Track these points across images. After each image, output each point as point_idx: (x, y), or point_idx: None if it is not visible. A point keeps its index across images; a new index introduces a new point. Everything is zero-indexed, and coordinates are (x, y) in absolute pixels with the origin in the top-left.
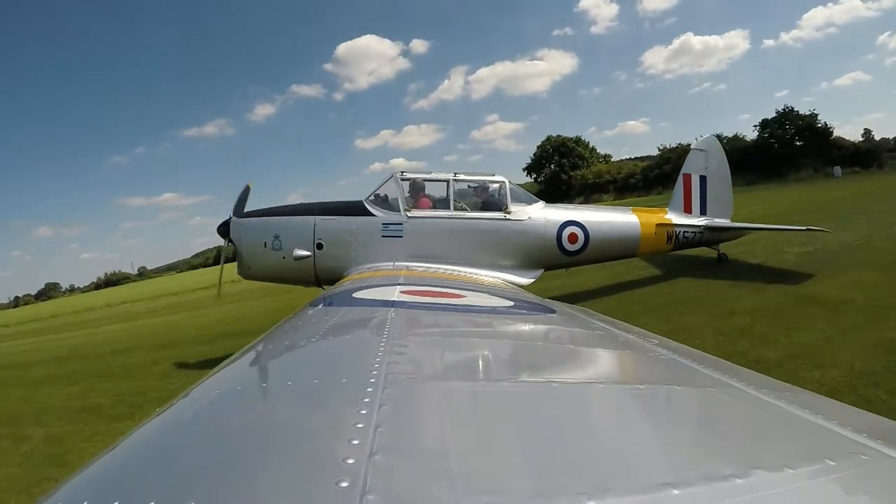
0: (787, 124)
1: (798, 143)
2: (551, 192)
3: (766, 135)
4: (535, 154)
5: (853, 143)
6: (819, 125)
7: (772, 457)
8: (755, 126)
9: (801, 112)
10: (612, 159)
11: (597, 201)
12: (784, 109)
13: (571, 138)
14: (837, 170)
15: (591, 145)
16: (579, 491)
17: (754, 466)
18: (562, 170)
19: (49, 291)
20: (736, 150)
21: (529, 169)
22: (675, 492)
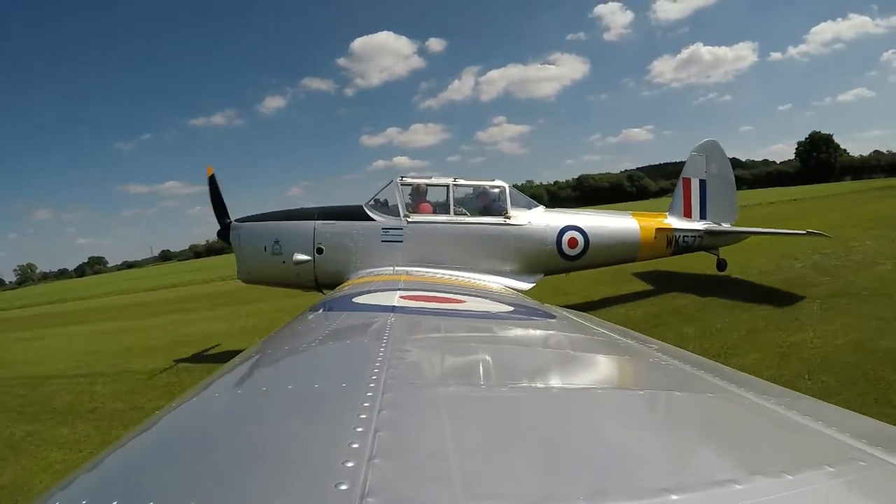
0: None
1: None
2: (819, 172)
3: None
4: (802, 144)
5: None
6: None
7: (770, 463)
8: None
9: None
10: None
11: (867, 178)
12: None
13: (828, 134)
14: None
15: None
16: (578, 496)
17: (753, 472)
18: (830, 156)
19: (94, 265)
20: None
21: (800, 155)
22: (674, 497)
